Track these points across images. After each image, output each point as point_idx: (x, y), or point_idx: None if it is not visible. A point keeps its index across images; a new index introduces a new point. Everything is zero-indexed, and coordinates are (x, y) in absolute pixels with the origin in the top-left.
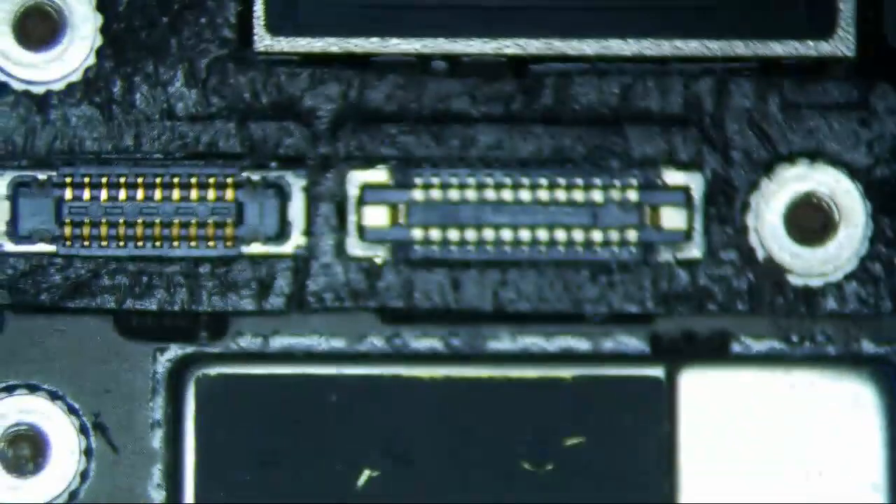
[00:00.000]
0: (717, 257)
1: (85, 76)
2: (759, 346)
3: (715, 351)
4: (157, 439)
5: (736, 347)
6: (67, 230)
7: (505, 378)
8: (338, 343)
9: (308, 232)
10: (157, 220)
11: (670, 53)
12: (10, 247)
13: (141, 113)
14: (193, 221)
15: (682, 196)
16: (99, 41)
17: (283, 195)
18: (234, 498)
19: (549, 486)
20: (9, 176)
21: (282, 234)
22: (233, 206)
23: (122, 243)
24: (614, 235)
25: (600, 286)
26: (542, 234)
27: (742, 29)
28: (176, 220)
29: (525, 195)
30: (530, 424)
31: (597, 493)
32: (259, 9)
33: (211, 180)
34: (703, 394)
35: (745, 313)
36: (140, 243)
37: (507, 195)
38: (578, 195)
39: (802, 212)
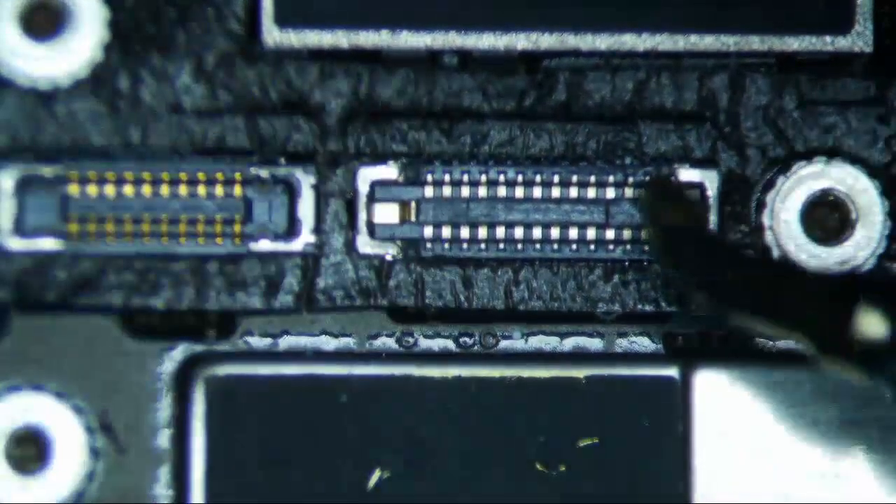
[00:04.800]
0: None
1: (91, 71)
2: (774, 345)
3: (730, 350)
4: (164, 439)
5: (751, 347)
6: (73, 227)
7: (517, 378)
8: (348, 342)
9: (317, 229)
10: (164, 217)
11: (685, 48)
12: (15, 243)
13: (147, 108)
14: (201, 218)
15: (697, 194)
16: (105, 35)
17: (292, 192)
18: (242, 498)
19: (562, 486)
20: (14, 172)
21: (291, 231)
22: (241, 203)
23: (128, 240)
24: (628, 233)
25: (613, 285)
26: (555, 232)
27: (758, 24)
28: (183, 217)
29: (537, 192)
30: (543, 425)
31: (610, 494)
32: (267, 2)
33: (219, 176)
34: (717, 394)
35: None
36: (147, 240)
37: (519, 192)
38: (591, 192)
39: (819, 210)
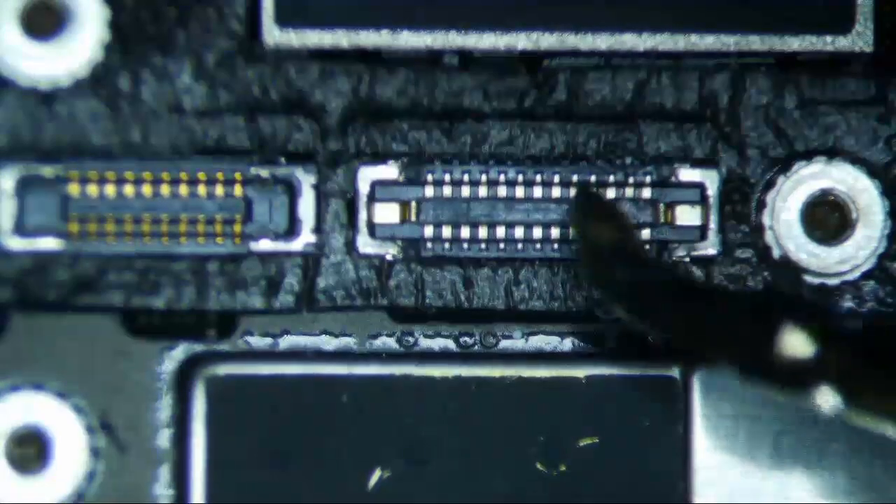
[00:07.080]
0: (733, 256)
1: (91, 71)
2: None
3: None
4: (164, 439)
5: None
6: (73, 227)
7: (517, 377)
8: (348, 342)
9: (318, 229)
10: (165, 217)
11: (685, 48)
12: (15, 243)
13: (148, 108)
14: (201, 218)
15: (697, 193)
16: (106, 35)
17: (293, 191)
18: (243, 498)
19: (563, 486)
20: (14, 171)
21: (291, 231)
22: (241, 203)
23: (128, 240)
24: None
25: None
26: (555, 232)
27: (758, 23)
28: (183, 217)
29: (537, 192)
30: (543, 424)
31: (611, 494)
32: (267, 2)
33: (219, 176)
34: (717, 394)
35: None
36: (147, 240)
37: (519, 192)
38: None
39: (819, 210)
